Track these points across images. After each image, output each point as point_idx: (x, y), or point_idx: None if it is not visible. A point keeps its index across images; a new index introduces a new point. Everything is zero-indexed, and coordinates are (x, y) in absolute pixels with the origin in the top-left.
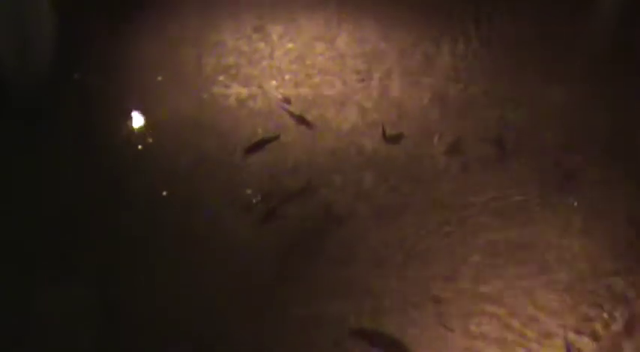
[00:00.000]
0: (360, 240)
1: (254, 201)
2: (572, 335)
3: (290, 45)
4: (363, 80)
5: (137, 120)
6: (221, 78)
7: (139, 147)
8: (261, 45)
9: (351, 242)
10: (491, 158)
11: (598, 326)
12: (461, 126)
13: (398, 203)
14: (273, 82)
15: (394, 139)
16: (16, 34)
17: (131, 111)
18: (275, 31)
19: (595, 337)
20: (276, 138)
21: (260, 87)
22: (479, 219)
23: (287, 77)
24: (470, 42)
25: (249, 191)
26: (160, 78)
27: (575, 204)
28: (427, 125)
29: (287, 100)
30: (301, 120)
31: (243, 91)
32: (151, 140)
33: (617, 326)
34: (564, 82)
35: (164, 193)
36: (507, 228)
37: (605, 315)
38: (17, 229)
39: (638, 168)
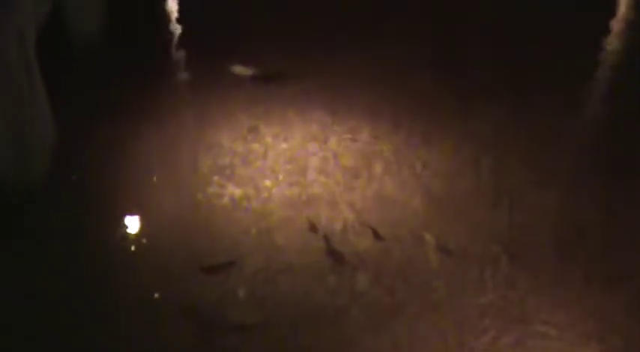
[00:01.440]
0: (354, 344)
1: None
2: None
3: (284, 145)
4: (355, 180)
5: (131, 221)
6: (216, 178)
7: (132, 248)
8: (256, 145)
9: (344, 345)
10: (485, 258)
11: None
12: (453, 225)
13: (392, 305)
14: (267, 182)
15: (386, 239)
16: (15, 136)
17: (126, 212)
18: (269, 131)
19: None
20: (232, 264)
21: (254, 187)
22: (476, 322)
23: (281, 177)
24: (459, 141)
25: (241, 294)
26: (155, 178)
27: None
28: (419, 224)
29: (313, 229)
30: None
31: (238, 191)
32: (144, 241)
33: None
34: (553, 185)
35: (155, 295)
36: (507, 330)
37: None
38: (6, 332)
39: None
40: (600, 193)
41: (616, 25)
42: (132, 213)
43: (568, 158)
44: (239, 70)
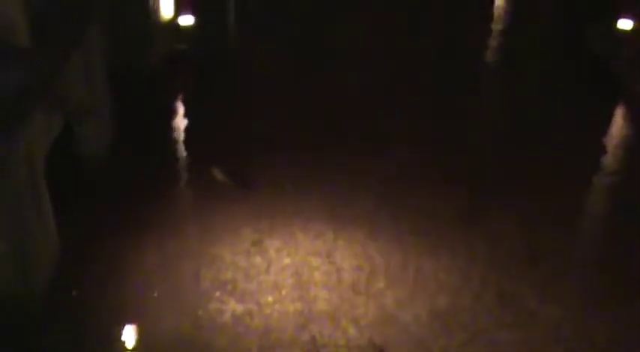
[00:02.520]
0: None
1: None
2: None
3: (287, 259)
4: (359, 295)
5: (130, 339)
6: (217, 294)
7: None
8: (259, 259)
9: None
10: None
11: None
12: (457, 340)
13: None
14: (270, 298)
15: None
16: (18, 253)
17: (125, 329)
18: (273, 245)
19: None
20: None
21: (257, 303)
22: None
23: (284, 292)
24: (462, 256)
25: None
26: (156, 294)
27: None
28: (424, 340)
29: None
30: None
31: (240, 308)
32: None
33: None
34: (557, 301)
35: None
36: None
37: None
38: None
39: None
40: (610, 309)
41: (611, 143)
42: (131, 332)
43: (571, 273)
44: (219, 176)
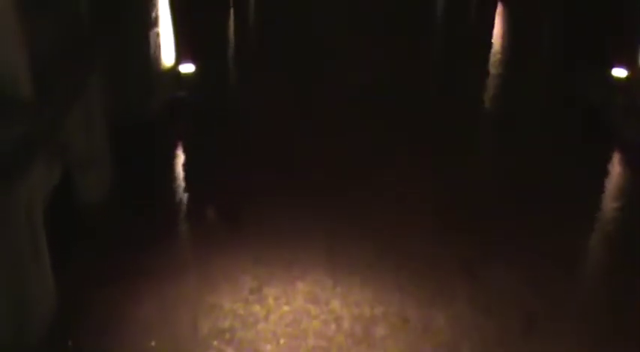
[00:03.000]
0: None
1: None
2: None
3: (286, 308)
4: (358, 344)
5: None
6: (215, 342)
7: None
8: (257, 307)
9: None
10: None
11: None
12: None
13: None
14: (268, 347)
15: None
16: (15, 304)
17: None
18: (271, 293)
19: None
20: None
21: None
22: None
23: (282, 341)
24: (462, 307)
25: None
26: (153, 343)
27: None
28: None
29: None
30: None
31: None
32: None
33: None
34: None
35: None
36: None
37: None
38: None
39: None
40: None
41: (609, 191)
42: None
43: (573, 331)
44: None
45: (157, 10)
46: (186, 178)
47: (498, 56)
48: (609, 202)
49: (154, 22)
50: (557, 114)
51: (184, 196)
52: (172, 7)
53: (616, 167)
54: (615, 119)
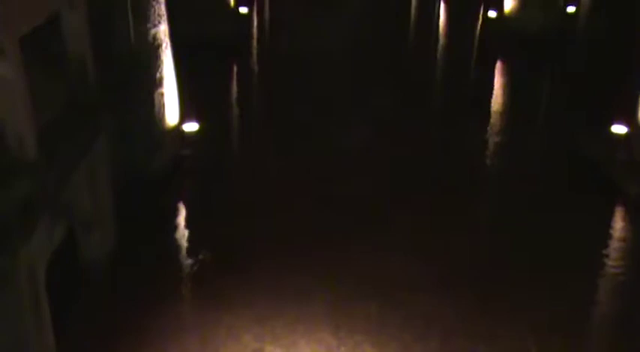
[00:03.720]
0: None
1: None
2: None
3: None
4: None
5: None
6: None
7: None
8: None
9: None
10: None
11: None
12: None
13: None
14: None
15: None
16: None
17: None
18: None
19: None
20: None
21: None
22: None
23: None
24: None
25: None
26: None
27: None
28: None
29: None
30: None
31: None
32: None
33: None
34: None
35: None
36: None
37: None
38: None
39: None
40: None
41: (612, 246)
42: None
43: None
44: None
45: (162, 71)
46: (189, 237)
47: (499, 112)
48: (613, 256)
49: (159, 83)
50: (557, 169)
51: (187, 255)
52: (177, 68)
53: (619, 221)
54: (616, 175)
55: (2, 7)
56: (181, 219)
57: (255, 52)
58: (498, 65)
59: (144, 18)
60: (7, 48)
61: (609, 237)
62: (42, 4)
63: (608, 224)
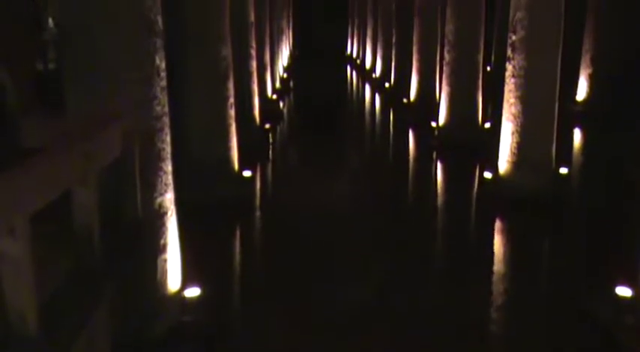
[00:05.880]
0: None
1: None
2: None
3: None
4: None
5: None
6: None
7: None
8: None
9: None
10: None
11: None
12: None
13: None
14: None
15: None
16: None
17: None
18: None
19: None
20: None
21: None
22: None
23: None
24: None
25: None
26: None
27: None
28: None
29: None
30: None
31: None
32: None
33: None
34: None
35: None
36: None
37: None
38: None
39: None
40: None
41: None
42: None
43: None
44: None
45: (166, 238)
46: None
47: (501, 272)
48: None
49: (163, 250)
50: (564, 332)
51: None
52: (181, 234)
53: None
54: (623, 338)
55: (14, 186)
56: None
57: (258, 214)
58: (497, 225)
59: (151, 187)
60: (17, 227)
61: None
62: (55, 182)
63: None
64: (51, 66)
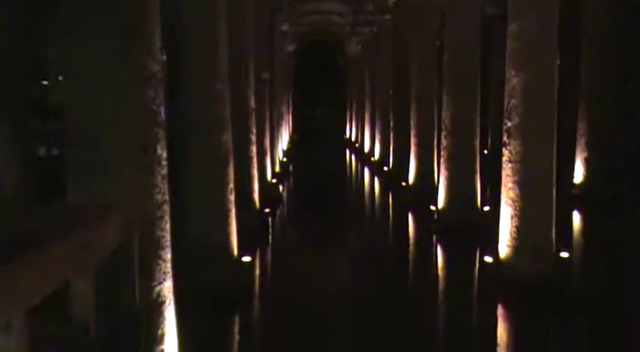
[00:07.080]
0: None
1: None
2: None
3: None
4: None
5: None
6: None
7: None
8: None
9: None
10: None
11: None
12: None
13: None
14: None
15: None
16: None
17: None
18: None
19: None
20: None
21: None
22: None
23: None
24: None
25: None
26: None
27: None
28: None
29: None
30: None
31: None
32: None
33: None
34: None
35: None
36: None
37: None
38: None
39: None
40: None
41: None
42: None
43: None
44: None
45: (164, 328)
46: None
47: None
48: None
49: (160, 340)
50: None
51: None
52: (179, 323)
53: None
54: None
55: (11, 281)
56: None
57: (257, 302)
58: (500, 311)
59: (149, 276)
60: (14, 322)
61: None
62: (52, 275)
63: None
64: (53, 152)
